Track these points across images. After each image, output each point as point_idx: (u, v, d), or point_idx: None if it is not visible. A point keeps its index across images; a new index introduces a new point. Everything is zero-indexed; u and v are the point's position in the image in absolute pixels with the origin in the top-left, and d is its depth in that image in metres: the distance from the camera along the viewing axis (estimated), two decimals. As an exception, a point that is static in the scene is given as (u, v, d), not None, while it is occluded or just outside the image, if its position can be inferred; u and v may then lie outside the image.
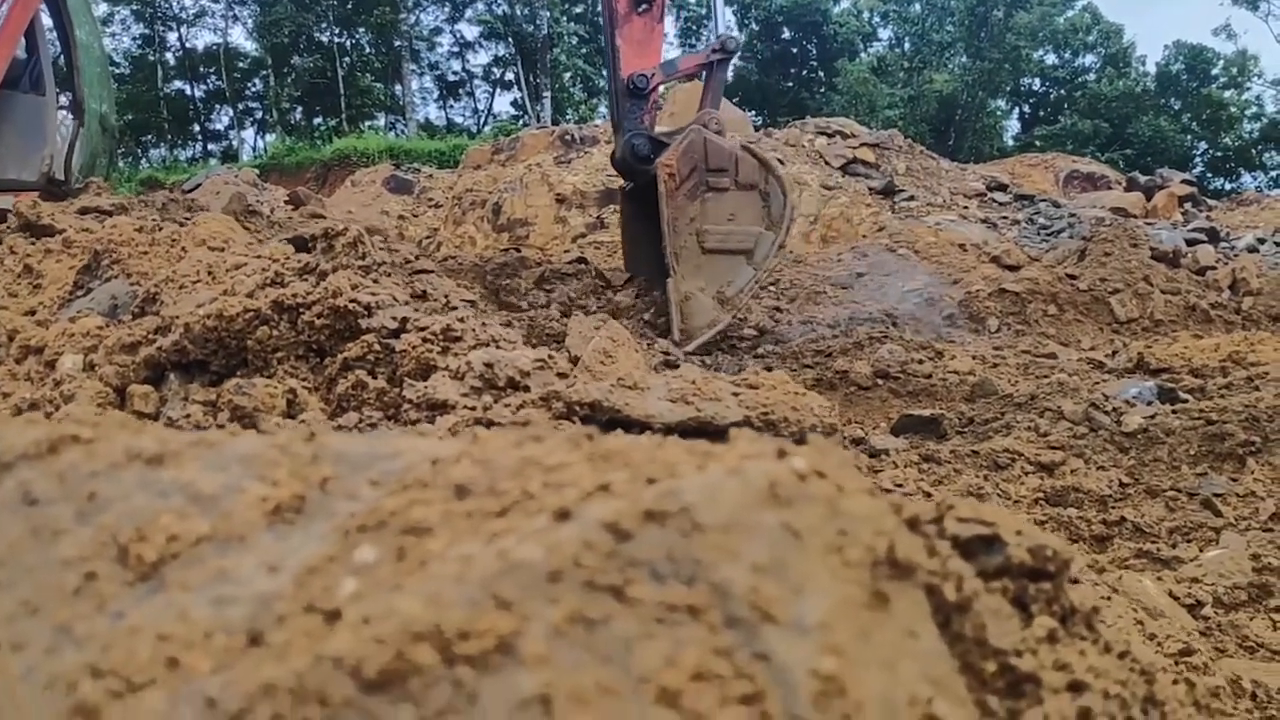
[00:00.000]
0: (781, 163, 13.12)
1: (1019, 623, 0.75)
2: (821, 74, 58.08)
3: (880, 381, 11.28)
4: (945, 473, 7.56)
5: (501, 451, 0.66)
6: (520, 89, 53.96)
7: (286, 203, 22.88)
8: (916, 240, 18.92)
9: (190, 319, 2.56)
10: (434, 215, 27.17)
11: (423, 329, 2.51)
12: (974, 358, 12.33)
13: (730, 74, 13.54)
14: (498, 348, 2.30)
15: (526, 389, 2.00)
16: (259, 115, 60.06)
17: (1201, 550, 5.63)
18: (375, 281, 2.78)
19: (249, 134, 61.27)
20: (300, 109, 57.54)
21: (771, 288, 17.80)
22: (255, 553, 0.62)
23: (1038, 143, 42.85)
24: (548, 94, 48.95)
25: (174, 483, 0.69)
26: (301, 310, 2.61)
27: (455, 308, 9.81)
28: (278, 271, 2.82)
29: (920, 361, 11.78)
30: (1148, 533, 6.16)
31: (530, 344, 10.77)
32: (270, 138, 55.28)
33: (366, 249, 3.00)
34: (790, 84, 59.19)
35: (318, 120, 56.12)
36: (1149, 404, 8.83)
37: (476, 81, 63.30)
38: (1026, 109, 56.68)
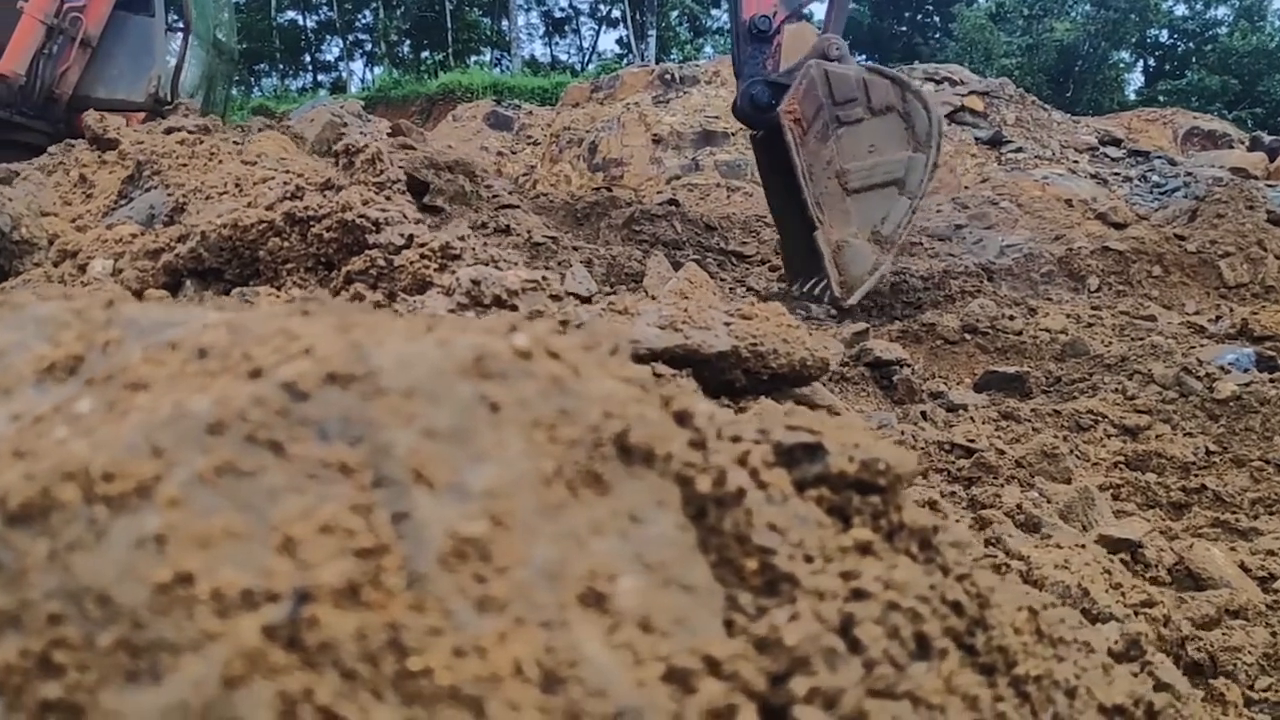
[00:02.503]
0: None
1: (833, 530, 0.72)
2: (937, 19, 56.34)
3: (968, 336, 11.03)
4: (1023, 431, 7.39)
5: (263, 321, 0.66)
6: (626, 27, 53.46)
7: (389, 134, 23.19)
8: (1021, 194, 18.32)
9: (207, 228, 2.62)
10: (532, 152, 27.27)
11: (422, 245, 2.51)
12: (1068, 316, 11.97)
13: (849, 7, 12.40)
14: (497, 268, 2.30)
15: (514, 308, 1.99)
16: (368, 48, 60.85)
17: (1285, 524, 5.42)
18: (388, 199, 2.79)
19: (358, 66, 62.18)
20: (408, 42, 58.09)
21: (865, 237, 17.46)
22: (13, 404, 0.63)
23: (1161, 98, 40.83)
24: (653, 32, 48.46)
25: (-29, 340, 0.71)
26: (312, 223, 2.64)
27: (540, 243, 9.88)
28: (298, 186, 2.85)
29: (1011, 318, 11.45)
30: (1228, 502, 5.95)
31: (609, 283, 10.78)
32: (378, 70, 56.00)
33: (384, 166, 3.00)
34: (904, 29, 57.55)
35: (425, 54, 56.61)
36: (1245, 371, 8.46)
37: (583, 18, 63.08)
38: (1151, 62, 54.10)
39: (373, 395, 0.58)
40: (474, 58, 55.65)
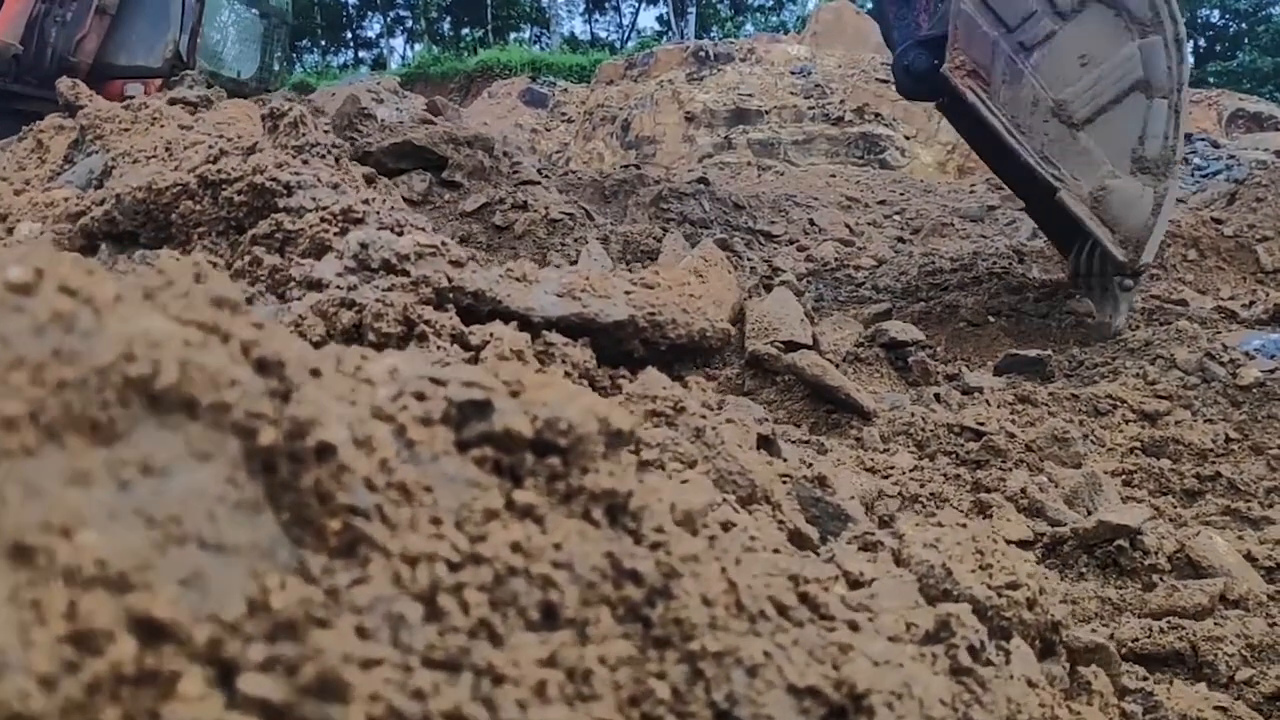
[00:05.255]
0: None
1: (494, 492, 0.67)
2: None
3: (991, 319, 10.87)
4: (1038, 414, 7.26)
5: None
6: (666, 3, 53.13)
7: (424, 110, 23.20)
8: (1057, 175, 17.98)
9: (123, 190, 2.60)
10: (566, 130, 27.22)
11: (324, 209, 2.46)
12: (1096, 300, 11.77)
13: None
14: (399, 233, 2.23)
15: (405, 273, 1.93)
16: (409, 24, 61.04)
17: (1300, 513, 5.30)
18: (305, 163, 2.74)
19: (398, 43, 62.45)
20: (448, 19, 58.18)
21: (896, 217, 17.28)
22: None
23: (1211, 79, 39.90)
24: (692, 9, 48.07)
25: None
26: (224, 185, 2.60)
27: (557, 219, 9.84)
28: (222, 149, 2.81)
29: (1037, 300, 11.28)
30: (1242, 491, 5.83)
31: (625, 260, 10.76)
32: (418, 47, 56.12)
33: (306, 129, 2.95)
34: (949, 9, 56.58)
35: (465, 31, 56.65)
36: (1271, 357, 8.25)
37: (623, -5, 62.78)
38: (1202, 43, 52.96)
39: None
40: (513, 34, 55.60)
